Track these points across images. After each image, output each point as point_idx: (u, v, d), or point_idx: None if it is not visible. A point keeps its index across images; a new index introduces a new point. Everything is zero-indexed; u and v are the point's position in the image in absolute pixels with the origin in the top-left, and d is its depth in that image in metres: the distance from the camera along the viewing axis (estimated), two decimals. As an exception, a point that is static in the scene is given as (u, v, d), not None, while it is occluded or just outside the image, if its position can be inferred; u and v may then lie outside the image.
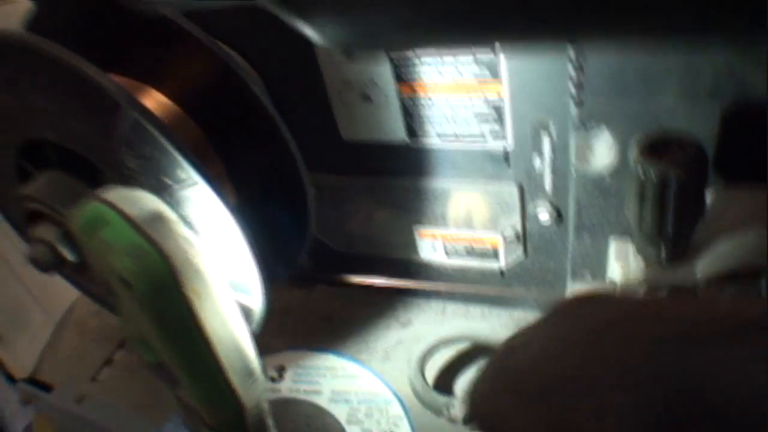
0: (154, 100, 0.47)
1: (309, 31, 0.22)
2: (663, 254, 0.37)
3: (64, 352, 0.67)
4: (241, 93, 0.47)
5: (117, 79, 0.47)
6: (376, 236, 0.55)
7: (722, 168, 0.37)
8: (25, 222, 0.44)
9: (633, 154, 0.34)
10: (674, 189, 0.33)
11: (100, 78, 0.35)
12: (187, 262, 0.30)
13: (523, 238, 0.50)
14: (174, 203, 0.37)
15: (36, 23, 0.48)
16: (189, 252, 0.30)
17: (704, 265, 0.37)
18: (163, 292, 0.29)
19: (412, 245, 0.54)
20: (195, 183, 0.36)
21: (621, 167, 0.40)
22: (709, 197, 0.37)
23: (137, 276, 0.29)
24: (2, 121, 0.43)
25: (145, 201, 0.32)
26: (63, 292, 0.69)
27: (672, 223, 0.35)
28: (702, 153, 0.34)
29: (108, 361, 0.65)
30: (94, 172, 0.41)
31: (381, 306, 0.59)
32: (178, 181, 0.36)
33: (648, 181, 0.34)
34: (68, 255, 0.42)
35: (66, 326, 0.70)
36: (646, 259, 0.38)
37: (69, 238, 0.42)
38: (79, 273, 0.44)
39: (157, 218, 0.30)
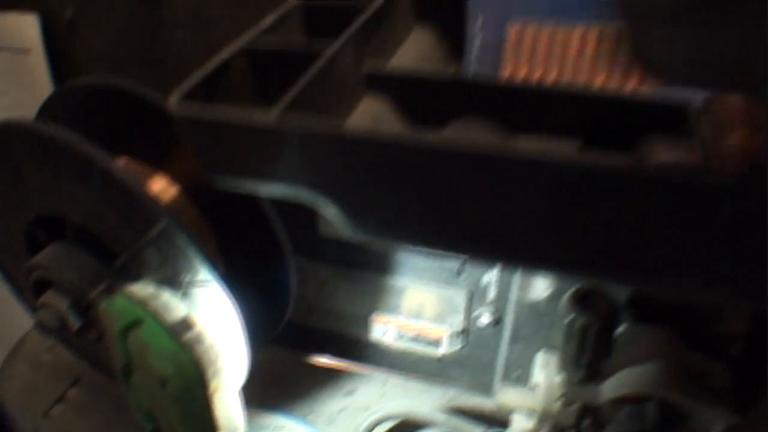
0: (160, 185, 0.54)
1: (331, 215, 0.30)
2: (579, 376, 0.48)
3: (15, 384, 0.72)
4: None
5: (126, 162, 0.54)
6: (334, 314, 0.64)
7: (633, 310, 0.48)
8: (31, 286, 0.50)
9: (565, 303, 0.44)
10: (593, 334, 0.44)
11: (140, 191, 0.42)
12: (211, 364, 0.38)
13: (465, 333, 0.60)
14: (186, 296, 0.44)
15: (53, 105, 0.54)
16: (212, 356, 0.38)
17: (609, 388, 0.47)
18: (192, 391, 0.37)
19: (366, 327, 0.63)
20: (209, 283, 0.44)
21: (554, 298, 0.50)
22: (621, 333, 0.48)
23: (174, 377, 0.36)
24: (31, 193, 0.49)
25: (174, 307, 0.39)
26: (18, 321, 0.74)
27: (588, 355, 0.46)
28: (616, 307, 0.45)
29: (60, 398, 0.70)
30: (110, 253, 0.48)
31: (328, 374, 0.68)
32: (194, 280, 0.44)
33: (574, 325, 0.44)
34: (74, 322, 0.48)
35: (18, 357, 0.74)
36: (566, 376, 0.49)
37: (77, 307, 0.48)
38: (77, 336, 0.50)
39: (187, 325, 0.38)
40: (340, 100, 0.35)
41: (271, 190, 0.31)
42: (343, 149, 0.27)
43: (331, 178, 0.29)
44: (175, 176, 0.56)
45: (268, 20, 0.38)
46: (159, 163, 0.56)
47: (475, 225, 0.28)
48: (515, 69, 0.40)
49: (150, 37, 0.63)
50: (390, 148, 0.26)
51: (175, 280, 0.45)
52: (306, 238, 0.59)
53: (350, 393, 0.66)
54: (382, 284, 0.59)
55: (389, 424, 0.62)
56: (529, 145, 0.33)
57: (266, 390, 0.67)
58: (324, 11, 0.40)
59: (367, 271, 0.59)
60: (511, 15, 0.40)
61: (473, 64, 0.40)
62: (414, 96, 0.37)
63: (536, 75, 0.39)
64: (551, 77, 0.39)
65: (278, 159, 0.29)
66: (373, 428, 0.60)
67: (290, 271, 0.55)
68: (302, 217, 0.58)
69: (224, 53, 0.34)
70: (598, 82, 0.38)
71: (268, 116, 0.28)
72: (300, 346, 0.68)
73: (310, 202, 0.31)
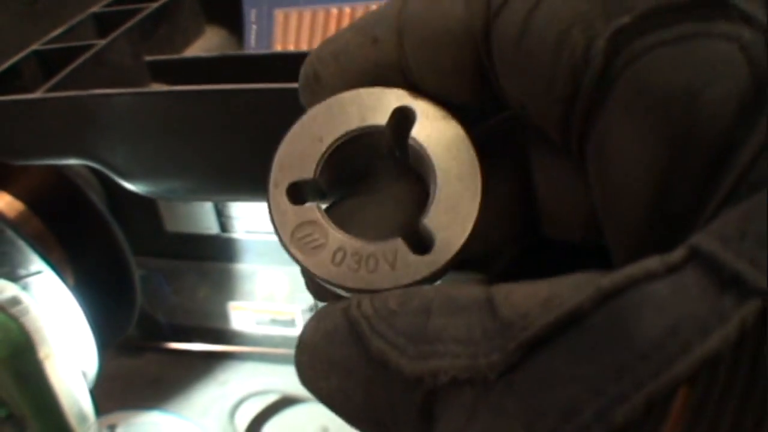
0: (4, 201, 0.60)
1: (127, 185, 0.38)
2: None
3: None
4: (77, 194, 0.61)
5: (-29, 182, 0.60)
6: (196, 309, 0.70)
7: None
8: None
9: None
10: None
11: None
12: (39, 333, 0.44)
13: (315, 308, 0.67)
14: (26, 286, 0.51)
15: None
16: (40, 325, 0.45)
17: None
18: (22, 356, 0.43)
19: (225, 316, 0.70)
20: (41, 271, 0.50)
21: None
22: None
23: (2, 344, 0.42)
24: None
25: (5, 288, 0.46)
26: None
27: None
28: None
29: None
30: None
31: (202, 369, 0.74)
32: (29, 269, 0.50)
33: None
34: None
35: None
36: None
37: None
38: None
39: (16, 301, 0.45)
40: (120, 86, 0.42)
41: (54, 162, 0.38)
42: (95, 111, 0.35)
43: (91, 143, 0.36)
44: (20, 195, 0.62)
45: (60, 29, 0.45)
46: (3, 184, 0.62)
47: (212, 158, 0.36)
48: (284, 47, 0.48)
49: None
50: (129, 101, 0.34)
51: (14, 275, 0.51)
52: (153, 237, 0.66)
53: (223, 383, 0.73)
54: (232, 272, 0.66)
55: (261, 405, 0.69)
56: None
57: (143, 392, 0.72)
58: (114, 15, 0.48)
59: (216, 261, 0.66)
60: (278, 4, 0.49)
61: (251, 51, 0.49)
62: (193, 77, 0.45)
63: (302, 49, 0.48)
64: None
65: (49, 131, 0.36)
66: (236, 408, 0.67)
67: (132, 270, 0.62)
68: (152, 220, 0.65)
69: (14, 58, 0.42)
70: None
71: (35, 94, 0.36)
72: (171, 341, 0.74)
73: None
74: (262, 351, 0.72)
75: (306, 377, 0.17)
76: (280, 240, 0.19)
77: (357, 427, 0.17)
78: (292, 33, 0.48)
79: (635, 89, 0.14)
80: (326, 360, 0.16)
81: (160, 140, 0.35)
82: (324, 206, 0.19)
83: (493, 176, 0.19)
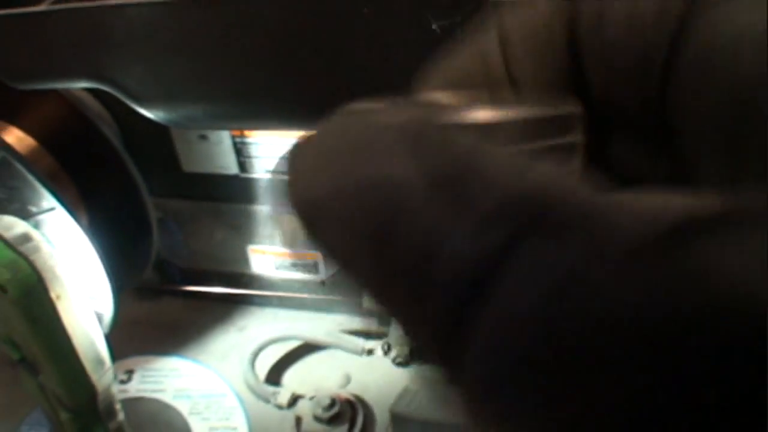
0: (14, 136, 0.57)
1: (143, 111, 0.34)
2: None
3: None
4: (91, 131, 0.57)
5: (-22, 116, 0.57)
6: (214, 253, 0.67)
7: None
8: None
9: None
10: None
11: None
12: (50, 271, 0.41)
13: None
14: (37, 224, 0.48)
15: None
16: (51, 264, 0.41)
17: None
18: (32, 295, 0.40)
19: (245, 260, 0.67)
20: (53, 208, 0.47)
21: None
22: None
23: (11, 283, 0.39)
24: None
25: (16, 225, 0.42)
26: None
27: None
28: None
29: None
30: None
31: (220, 314, 0.71)
32: (40, 206, 0.47)
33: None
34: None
35: None
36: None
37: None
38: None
39: (26, 238, 0.41)
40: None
41: (61, 85, 0.35)
42: (106, 25, 0.31)
43: (102, 62, 0.32)
44: (31, 130, 0.58)
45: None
46: (14, 118, 0.58)
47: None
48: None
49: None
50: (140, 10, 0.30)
51: (26, 212, 0.48)
52: (169, 177, 0.62)
53: (242, 329, 0.70)
54: (251, 214, 0.63)
55: (281, 352, 0.66)
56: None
57: (161, 338, 0.70)
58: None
59: (234, 203, 0.63)
60: None
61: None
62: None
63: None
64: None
65: (55, 49, 0.32)
66: (259, 352, 0.64)
67: (149, 210, 0.58)
68: (168, 159, 0.62)
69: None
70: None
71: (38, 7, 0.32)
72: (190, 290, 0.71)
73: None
74: (282, 295, 0.69)
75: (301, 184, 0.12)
76: None
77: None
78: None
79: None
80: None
81: (181, 57, 0.31)
82: None
83: None
